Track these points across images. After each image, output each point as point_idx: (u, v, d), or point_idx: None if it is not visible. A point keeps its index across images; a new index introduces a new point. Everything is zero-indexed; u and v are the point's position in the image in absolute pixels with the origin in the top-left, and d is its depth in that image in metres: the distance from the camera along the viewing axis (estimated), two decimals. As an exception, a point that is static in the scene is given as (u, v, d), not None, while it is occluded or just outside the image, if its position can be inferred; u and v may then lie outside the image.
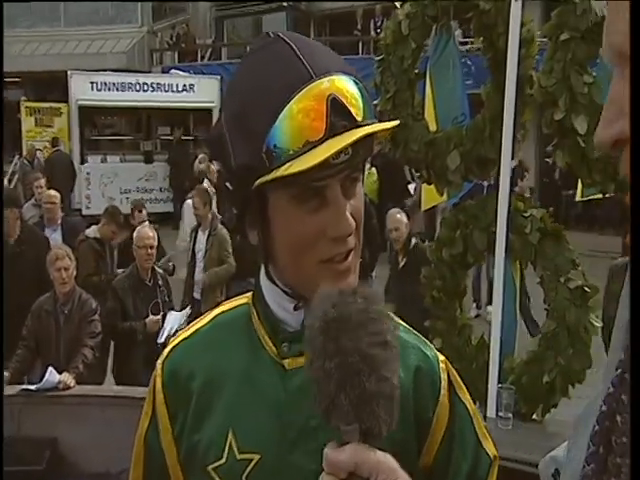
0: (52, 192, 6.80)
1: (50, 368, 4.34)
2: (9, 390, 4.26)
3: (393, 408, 0.80)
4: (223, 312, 1.09)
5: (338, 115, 0.86)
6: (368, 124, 0.89)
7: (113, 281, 5.29)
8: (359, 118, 0.88)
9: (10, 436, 3.82)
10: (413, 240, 5.21)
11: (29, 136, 15.84)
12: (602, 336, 3.90)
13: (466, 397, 1.07)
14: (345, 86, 0.89)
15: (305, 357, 0.83)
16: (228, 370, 1.00)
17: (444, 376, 1.04)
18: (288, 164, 0.86)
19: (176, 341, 1.08)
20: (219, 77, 14.83)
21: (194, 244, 6.36)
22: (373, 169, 11.82)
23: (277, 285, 0.99)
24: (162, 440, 1.04)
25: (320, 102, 0.86)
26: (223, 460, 0.97)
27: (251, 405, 0.98)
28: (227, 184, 0.96)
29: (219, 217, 6.54)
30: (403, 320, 1.11)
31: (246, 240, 1.01)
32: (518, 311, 3.61)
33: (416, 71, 3.51)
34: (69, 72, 15.01)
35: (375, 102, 3.60)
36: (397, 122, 0.93)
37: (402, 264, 5.11)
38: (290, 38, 0.92)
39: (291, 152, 0.86)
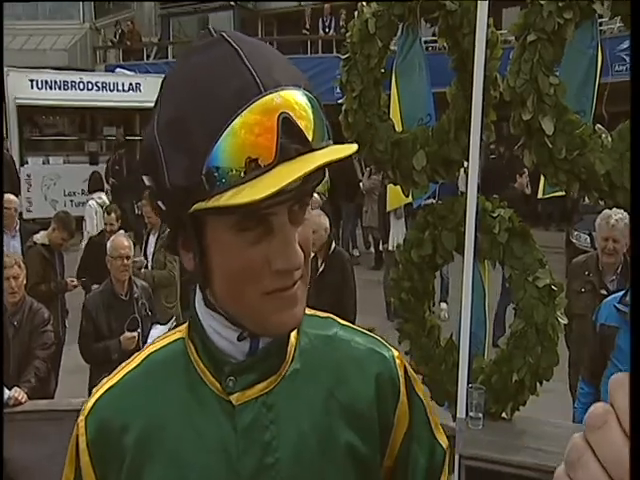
0: (11, 197, 6.54)
1: (-2, 384, 4.15)
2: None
3: None
4: (155, 351, 0.97)
5: (290, 137, 0.75)
6: (322, 147, 0.78)
7: (85, 299, 4.89)
8: (313, 140, 0.77)
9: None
10: (333, 245, 5.13)
11: (-39, 136, 15.26)
12: (565, 333, 3.98)
13: (420, 389, 1.03)
14: (298, 103, 0.78)
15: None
16: (167, 417, 0.90)
17: (401, 372, 1.00)
18: (232, 191, 0.74)
19: (100, 391, 0.95)
20: (165, 76, 14.58)
21: (146, 247, 6.23)
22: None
23: (218, 312, 0.89)
24: None
25: (270, 120, 0.75)
26: None
27: (196, 452, 0.88)
28: (159, 203, 0.83)
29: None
30: None
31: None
32: (487, 311, 3.61)
33: (382, 70, 3.48)
34: (5, 69, 14.50)
35: (340, 101, 3.56)
36: (355, 147, 0.80)
37: (321, 269, 4.98)
38: (236, 40, 0.80)
39: (234, 172, 0.74)
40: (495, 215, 3.41)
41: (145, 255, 6.18)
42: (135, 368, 0.96)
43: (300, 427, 0.90)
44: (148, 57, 18.76)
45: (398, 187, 3.72)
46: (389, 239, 8.29)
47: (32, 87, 14.44)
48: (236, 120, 0.75)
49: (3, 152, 11.44)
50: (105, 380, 0.97)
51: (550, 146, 3.10)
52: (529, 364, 3.39)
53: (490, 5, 3.19)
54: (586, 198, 3.39)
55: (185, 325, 0.97)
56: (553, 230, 13.11)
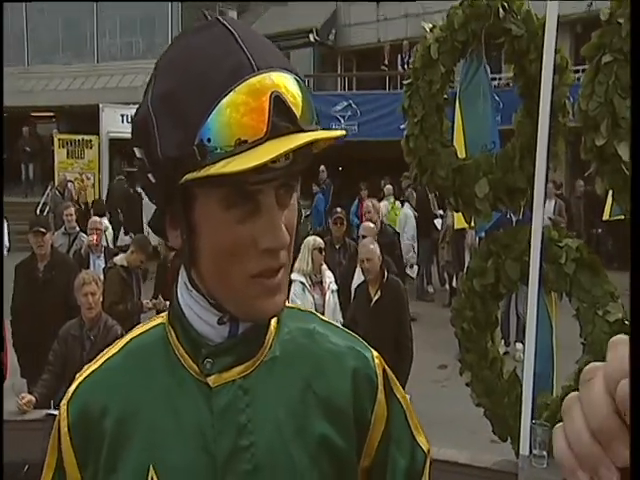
0: (97, 219, 6.96)
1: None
2: (34, 414, 4.26)
3: None
4: (135, 337, 0.97)
5: (280, 115, 0.77)
6: (311, 130, 0.80)
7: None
8: (302, 120, 0.80)
9: (34, 462, 3.77)
10: (386, 273, 5.06)
11: (61, 167, 16.19)
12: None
13: (399, 391, 1.01)
14: (288, 84, 0.80)
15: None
16: (145, 400, 0.90)
17: (379, 371, 0.98)
18: (224, 162, 0.76)
19: (82, 377, 0.96)
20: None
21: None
22: (398, 203, 11.80)
23: (200, 293, 0.90)
24: None
25: (262, 99, 0.77)
26: None
27: (173, 434, 0.88)
28: (149, 175, 0.83)
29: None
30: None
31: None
32: (554, 346, 3.45)
33: (445, 96, 3.45)
34: (101, 105, 15.32)
35: (402, 126, 3.55)
36: (343, 132, 0.83)
37: (376, 298, 4.90)
38: (230, 23, 0.82)
39: (226, 149, 0.77)
40: (562, 245, 3.30)
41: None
42: (116, 353, 0.97)
43: (276, 413, 0.90)
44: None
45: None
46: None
47: (123, 121, 15.18)
48: (228, 97, 0.77)
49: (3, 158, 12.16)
50: (87, 366, 0.98)
51: (627, 172, 2.97)
52: (597, 402, 3.22)
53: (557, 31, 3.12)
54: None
55: (166, 313, 0.97)
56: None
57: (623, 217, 3.12)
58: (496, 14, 3.16)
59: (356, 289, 5.27)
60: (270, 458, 0.88)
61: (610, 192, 3.22)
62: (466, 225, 3.81)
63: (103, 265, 6.62)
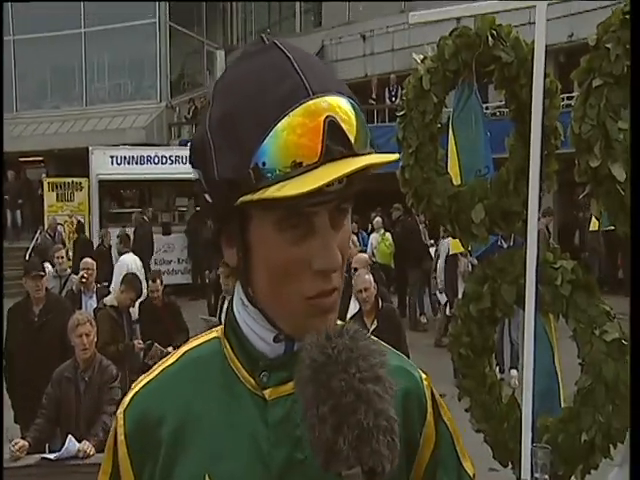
0: (89, 260, 7.01)
1: (70, 436, 4.26)
2: (28, 460, 4.20)
3: (394, 442, 0.78)
4: (191, 349, 1.00)
5: (334, 140, 0.79)
6: (365, 153, 0.82)
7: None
8: (356, 144, 0.81)
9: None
10: (380, 302, 5.09)
11: (51, 210, 16.19)
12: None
13: (447, 415, 1.03)
14: (343, 108, 0.82)
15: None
16: (201, 411, 0.92)
17: (428, 393, 1.00)
18: (279, 185, 0.78)
19: (138, 386, 0.98)
20: (236, 148, 15.14)
21: (221, 312, 6.39)
22: (388, 234, 11.88)
23: (257, 308, 0.92)
24: None
25: (316, 123, 0.79)
26: None
27: (228, 445, 0.90)
28: (206, 196, 0.87)
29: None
30: None
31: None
32: (557, 366, 3.46)
33: (438, 125, 3.51)
34: (90, 148, 15.41)
35: (397, 156, 3.59)
36: (397, 156, 0.86)
37: (372, 327, 4.91)
38: (287, 47, 0.85)
39: (281, 172, 0.79)
40: (557, 266, 3.32)
41: (220, 319, 6.32)
42: (172, 364, 0.99)
43: None
44: (220, 132, 19.53)
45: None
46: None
47: (112, 163, 15.28)
48: (284, 120, 0.79)
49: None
50: (144, 376, 1.00)
51: (622, 193, 3.01)
52: (599, 423, 3.21)
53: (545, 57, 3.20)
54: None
55: (221, 326, 0.99)
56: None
57: (613, 227, 3.16)
58: (485, 42, 3.24)
59: (350, 320, 5.28)
60: (323, 473, 0.87)
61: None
62: (462, 249, 3.84)
63: (95, 305, 6.61)
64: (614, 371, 3.19)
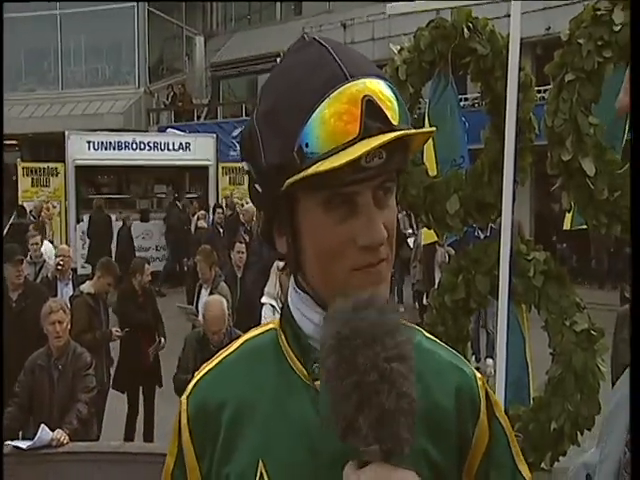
0: (65, 247, 6.91)
1: (42, 425, 4.21)
2: (-1, 449, 4.13)
3: (413, 424, 0.77)
4: (249, 339, 1.04)
5: (373, 117, 0.83)
6: (404, 129, 0.85)
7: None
8: (395, 122, 0.85)
9: (0, 498, 3.68)
10: None
11: (25, 196, 15.91)
12: (612, 382, 3.82)
13: (502, 415, 1.02)
14: (380, 89, 0.86)
15: (320, 377, 0.81)
16: (258, 398, 0.96)
17: (482, 394, 0.99)
18: (319, 163, 0.83)
19: (201, 373, 1.03)
20: (215, 136, 15.03)
21: (197, 301, 6.35)
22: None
23: (307, 293, 0.96)
24: (189, 478, 1.00)
25: (355, 104, 0.83)
26: None
27: (282, 432, 0.93)
28: (256, 186, 0.92)
29: (221, 275, 6.55)
30: None
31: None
32: (528, 356, 3.51)
33: (415, 116, 3.53)
34: (66, 132, 15.21)
35: (434, 129, 3.60)
36: (434, 129, 0.90)
37: None
38: (325, 41, 0.90)
39: (323, 151, 0.83)
40: (530, 258, 3.37)
41: (197, 307, 6.30)
42: (232, 353, 1.03)
43: None
44: (199, 118, 19.41)
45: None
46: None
47: (89, 149, 15.08)
48: (323, 104, 0.84)
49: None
50: (205, 364, 1.04)
51: (591, 187, 3.06)
52: (568, 412, 3.28)
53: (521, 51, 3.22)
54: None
55: (278, 318, 1.03)
56: (608, 289, 12.60)
57: (585, 226, 3.21)
58: (461, 34, 3.26)
59: None
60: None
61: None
62: (435, 238, 3.88)
63: (71, 292, 6.53)
64: (583, 360, 3.26)
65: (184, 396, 1.01)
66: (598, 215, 3.08)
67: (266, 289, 5.49)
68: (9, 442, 4.18)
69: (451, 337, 3.68)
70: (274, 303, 5.53)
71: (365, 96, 0.84)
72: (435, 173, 3.71)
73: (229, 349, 1.04)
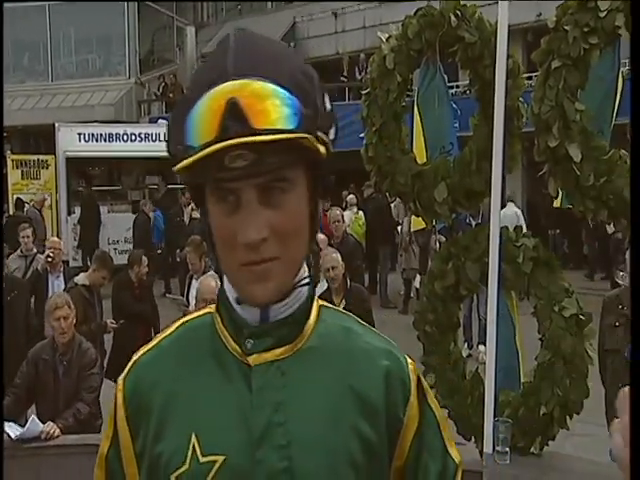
0: (55, 239, 6.87)
1: (33, 416, 4.19)
2: (-8, 440, 4.11)
3: None
4: (186, 322, 1.08)
5: (233, 119, 0.84)
6: (270, 132, 0.84)
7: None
8: (260, 126, 0.84)
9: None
10: (349, 281, 5.12)
11: (15, 189, 15.82)
12: (599, 367, 3.85)
13: (433, 401, 1.07)
14: (253, 90, 0.86)
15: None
16: (191, 376, 1.00)
17: (413, 377, 1.04)
18: (185, 161, 0.87)
19: (138, 355, 1.07)
20: (206, 126, 14.98)
21: (188, 292, 6.34)
22: (361, 213, 11.92)
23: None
24: (123, 458, 1.03)
25: (220, 104, 0.85)
26: (186, 466, 0.95)
27: (215, 408, 0.97)
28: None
29: (212, 266, 6.53)
30: None
31: None
32: (518, 343, 3.53)
33: (403, 104, 3.53)
34: (56, 124, 15.13)
35: (362, 135, 3.62)
36: (294, 135, 0.86)
37: (342, 306, 4.89)
38: (238, 37, 0.93)
39: (196, 148, 0.86)
40: (519, 244, 3.39)
41: (187, 298, 6.29)
42: (168, 335, 1.07)
43: (311, 396, 0.97)
44: (190, 109, 19.28)
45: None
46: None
47: (80, 140, 15.00)
48: (199, 101, 0.87)
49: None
50: (143, 347, 1.08)
51: (577, 173, 3.07)
52: (557, 397, 3.30)
53: (509, 37, 3.22)
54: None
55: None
56: (598, 275, 12.63)
57: (572, 206, 3.24)
58: (449, 22, 3.26)
59: (318, 298, 5.29)
60: (303, 436, 0.95)
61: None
62: (423, 225, 3.89)
63: (62, 285, 6.49)
64: (572, 346, 3.28)
65: (121, 377, 1.05)
66: (585, 201, 3.10)
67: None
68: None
69: (441, 324, 3.69)
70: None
71: (231, 98, 0.85)
72: (425, 160, 3.72)
73: (167, 331, 1.08)
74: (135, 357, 1.06)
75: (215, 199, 0.91)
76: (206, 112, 0.86)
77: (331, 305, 1.09)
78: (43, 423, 4.15)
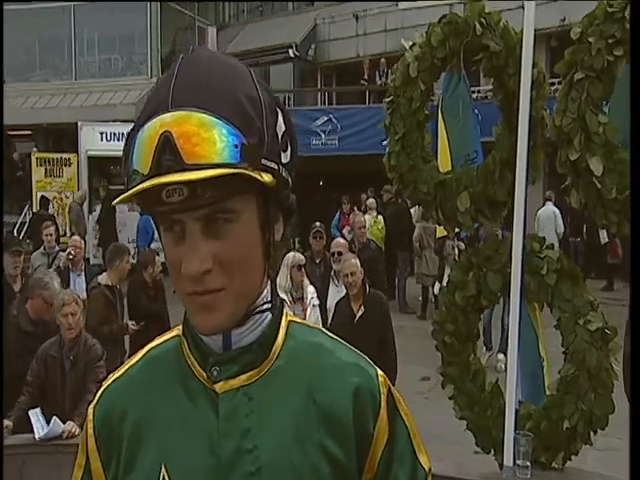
0: (77, 237, 6.97)
1: (54, 418, 4.25)
2: (11, 440, 4.16)
3: None
4: (154, 347, 1.07)
5: (166, 154, 0.84)
6: (202, 168, 0.83)
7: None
8: (193, 161, 0.83)
9: (14, 487, 3.72)
10: (368, 287, 5.02)
11: (39, 186, 16.01)
12: (623, 378, 3.79)
13: (403, 409, 1.05)
14: (189, 124, 0.84)
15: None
16: (159, 405, 0.99)
17: (384, 390, 1.03)
18: (126, 193, 0.86)
19: (107, 383, 1.06)
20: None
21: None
22: (380, 217, 11.87)
23: None
24: None
25: (154, 138, 0.85)
26: None
27: (182, 437, 0.96)
28: None
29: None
30: None
31: None
32: (542, 354, 3.48)
33: (426, 112, 3.50)
34: (79, 123, 15.26)
35: (384, 142, 3.59)
36: (227, 171, 0.84)
37: (359, 314, 4.87)
38: (190, 59, 0.91)
39: (136, 179, 0.86)
40: (542, 256, 3.34)
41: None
42: (136, 362, 1.06)
43: (278, 419, 0.96)
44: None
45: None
46: (442, 284, 8.22)
47: (102, 139, 15.14)
48: (139, 132, 0.87)
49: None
50: (112, 374, 1.07)
51: (599, 186, 3.02)
52: (581, 411, 3.25)
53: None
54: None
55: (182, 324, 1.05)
56: (622, 283, 12.38)
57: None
58: (474, 30, 3.22)
59: (336, 305, 5.25)
60: (272, 461, 0.94)
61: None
62: (446, 233, 3.85)
63: (83, 283, 6.55)
64: (597, 359, 3.22)
65: (91, 405, 1.04)
66: (608, 214, 3.04)
67: (277, 281, 5.46)
68: (22, 436, 4.22)
69: (461, 335, 3.65)
70: (284, 296, 5.51)
71: (165, 132, 0.84)
72: (450, 169, 3.68)
73: (134, 358, 1.07)
74: (104, 385, 1.06)
75: (163, 228, 0.91)
76: (144, 143, 0.86)
77: (300, 320, 1.08)
78: (51, 417, 4.22)
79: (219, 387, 0.96)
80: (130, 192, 0.84)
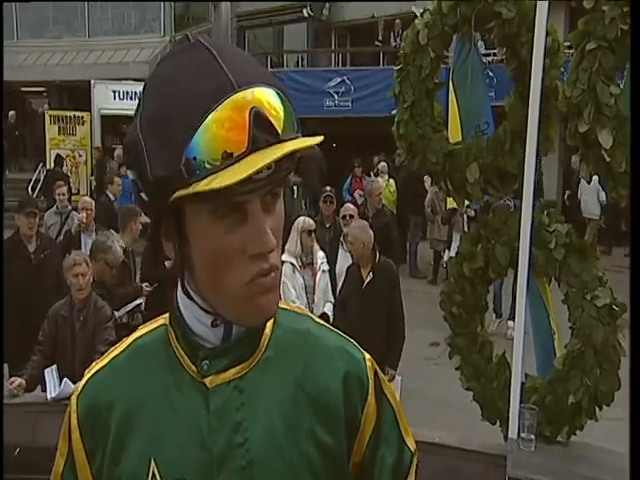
0: (87, 199, 6.96)
1: (65, 379, 4.30)
2: (24, 398, 4.23)
3: None
4: (140, 337, 1.04)
5: (260, 129, 0.82)
6: (292, 138, 0.85)
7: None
8: (281, 132, 0.84)
9: (25, 445, 3.78)
10: (377, 255, 5.00)
11: (53, 144, 16.01)
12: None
13: (390, 392, 1.07)
14: (268, 98, 0.85)
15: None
16: (147, 397, 0.97)
17: (371, 375, 1.04)
18: (209, 178, 0.81)
19: (91, 373, 1.03)
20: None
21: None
22: (392, 181, 11.77)
23: (194, 301, 0.96)
24: (79, 478, 1.01)
25: (242, 115, 0.82)
26: None
27: (172, 430, 0.95)
28: (142, 194, 0.89)
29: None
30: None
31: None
32: (553, 326, 3.45)
33: (436, 81, 3.41)
34: (92, 81, 15.18)
35: (393, 111, 3.52)
36: (321, 138, 0.87)
37: (367, 280, 4.89)
38: (210, 44, 0.87)
39: (210, 165, 0.81)
40: (551, 230, 3.29)
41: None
42: (122, 352, 1.04)
43: (269, 411, 0.96)
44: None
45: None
46: (450, 252, 8.18)
47: (115, 98, 15.07)
48: (211, 115, 0.81)
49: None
50: (95, 363, 1.05)
51: (608, 159, 2.95)
52: (587, 386, 3.23)
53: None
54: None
55: (168, 313, 1.03)
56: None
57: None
58: (486, -3, 3.12)
59: (347, 270, 5.26)
60: (263, 454, 0.94)
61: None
62: (455, 204, 3.80)
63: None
64: (603, 335, 3.19)
65: (74, 396, 1.02)
66: (617, 187, 2.97)
67: (287, 246, 5.43)
68: (35, 393, 4.29)
69: (469, 306, 3.63)
70: (294, 261, 5.50)
71: (253, 107, 0.82)
72: (460, 139, 3.61)
73: (119, 348, 1.04)
74: (88, 375, 1.03)
75: (213, 218, 0.86)
76: (225, 126, 0.81)
77: (286, 305, 1.06)
78: (62, 376, 4.26)
79: (209, 381, 0.95)
80: (262, 164, 0.80)
